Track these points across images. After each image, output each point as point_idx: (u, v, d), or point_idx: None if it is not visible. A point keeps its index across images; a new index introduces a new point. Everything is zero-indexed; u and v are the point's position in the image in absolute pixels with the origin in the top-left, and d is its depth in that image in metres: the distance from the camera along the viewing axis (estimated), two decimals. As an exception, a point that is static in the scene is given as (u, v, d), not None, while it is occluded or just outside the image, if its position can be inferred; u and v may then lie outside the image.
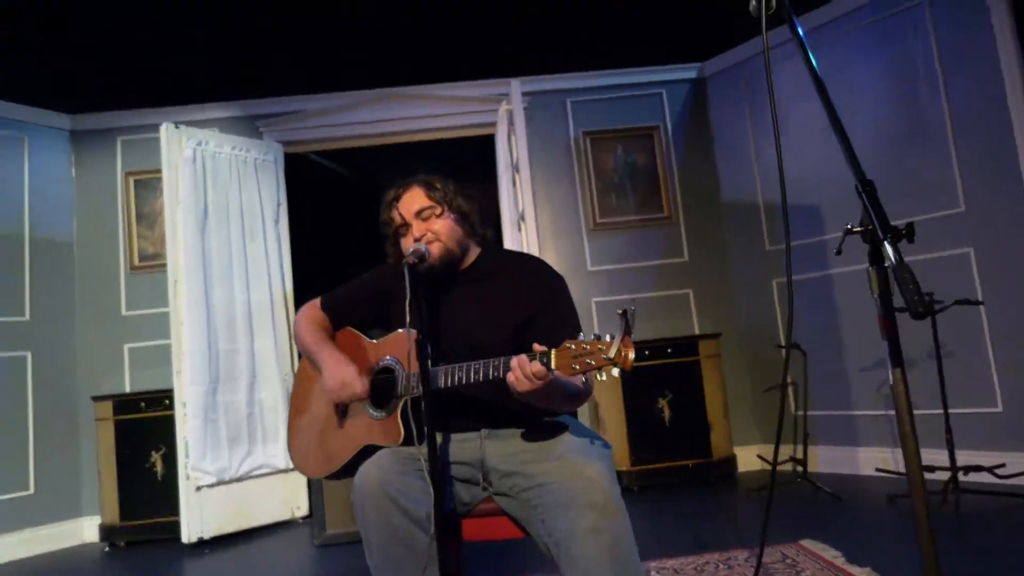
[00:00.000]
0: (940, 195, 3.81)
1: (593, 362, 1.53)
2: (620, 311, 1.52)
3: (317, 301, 2.14)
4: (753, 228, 4.62)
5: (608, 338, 1.53)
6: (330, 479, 2.03)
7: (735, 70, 4.72)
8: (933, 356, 3.29)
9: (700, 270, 4.77)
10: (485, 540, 1.90)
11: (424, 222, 1.91)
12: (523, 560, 2.95)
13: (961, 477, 3.23)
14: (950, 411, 3.29)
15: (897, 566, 2.45)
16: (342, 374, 1.89)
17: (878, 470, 3.89)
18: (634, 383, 4.28)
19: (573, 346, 1.56)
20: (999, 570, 2.48)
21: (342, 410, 1.98)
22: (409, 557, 1.68)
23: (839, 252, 1.32)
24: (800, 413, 4.13)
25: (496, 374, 1.68)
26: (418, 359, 1.68)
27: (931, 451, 3.64)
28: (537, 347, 1.60)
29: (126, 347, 4.60)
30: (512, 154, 4.27)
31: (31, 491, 4.31)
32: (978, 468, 3.27)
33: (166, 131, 4.12)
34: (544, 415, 1.88)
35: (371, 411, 1.92)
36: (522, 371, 1.59)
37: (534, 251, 4.15)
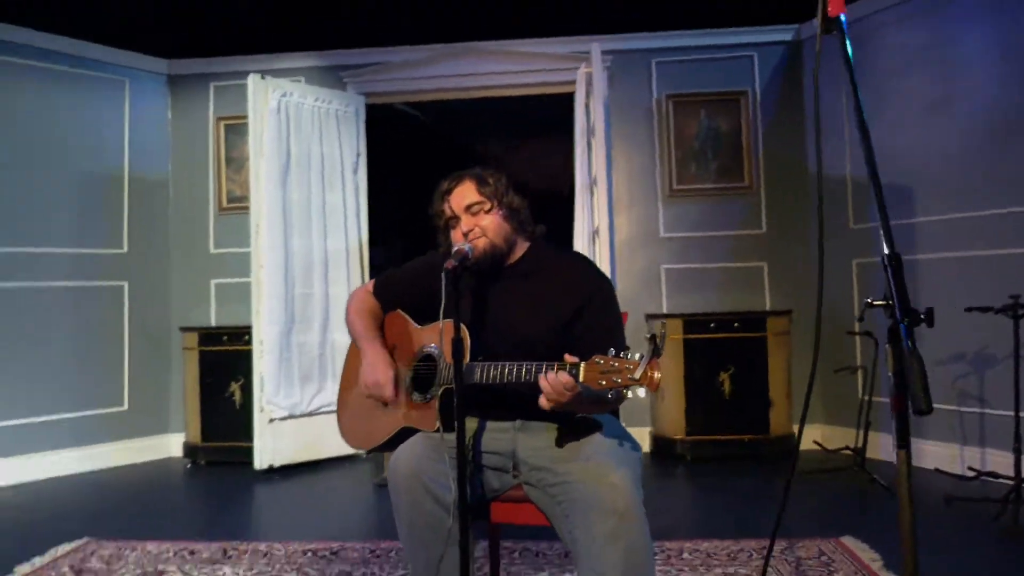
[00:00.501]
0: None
1: (619, 380, 1.56)
2: (649, 335, 1.53)
3: (370, 285, 2.23)
4: (839, 204, 4.42)
5: (637, 357, 1.55)
6: (371, 452, 2.16)
7: (836, 34, 4.44)
8: (1013, 357, 3.13)
9: (777, 244, 4.64)
10: (512, 524, 1.99)
11: (473, 217, 1.94)
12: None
13: (1025, 487, 3.11)
14: (1023, 415, 3.15)
15: (942, 572, 2.42)
16: (376, 375, 1.98)
17: (937, 469, 3.77)
18: (696, 355, 4.27)
19: (602, 361, 1.59)
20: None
21: (385, 392, 2.08)
22: (434, 538, 1.78)
23: (861, 319, 1.28)
24: (865, 398, 4.03)
25: (528, 378, 1.73)
26: (452, 358, 1.74)
27: (999, 453, 3.53)
28: (568, 358, 1.64)
29: (213, 283, 4.90)
30: (589, 118, 4.21)
31: (125, 407, 4.71)
32: (1043, 479, 3.13)
33: (253, 82, 4.26)
34: (577, 415, 1.92)
35: (413, 395, 2.01)
36: (551, 383, 1.63)
37: (604, 216, 4.13)
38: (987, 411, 3.72)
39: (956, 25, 3.90)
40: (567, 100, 4.81)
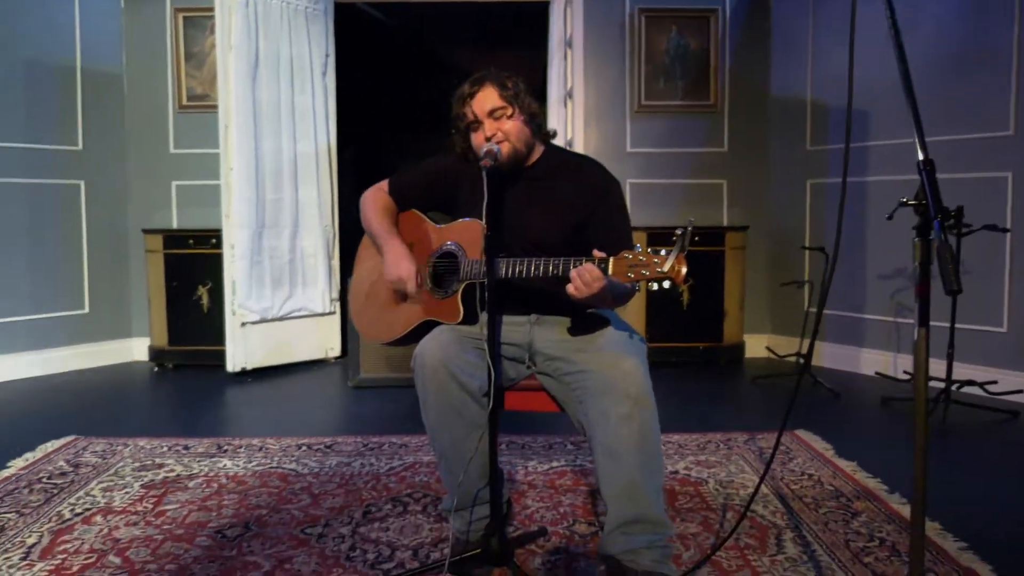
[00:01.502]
0: (993, 117, 3.80)
1: (648, 273, 1.69)
2: (678, 231, 1.66)
3: (384, 184, 2.28)
4: (797, 127, 4.62)
5: (664, 252, 1.69)
6: (389, 345, 2.26)
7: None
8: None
9: (737, 162, 4.83)
10: (525, 411, 2.15)
11: (496, 121, 2.01)
12: (548, 423, 3.27)
13: (955, 389, 3.47)
14: (957, 326, 3.48)
15: (882, 464, 2.73)
16: (400, 270, 2.06)
17: (878, 373, 4.15)
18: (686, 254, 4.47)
19: (630, 256, 1.71)
20: (968, 474, 2.76)
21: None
22: (462, 423, 1.92)
23: (890, 218, 1.43)
24: (812, 310, 4.34)
25: (556, 272, 1.85)
26: (485, 252, 1.84)
27: (933, 361, 3.88)
28: (597, 253, 1.76)
29: (174, 184, 4.78)
30: (566, 30, 4.21)
31: (86, 310, 4.64)
32: (971, 383, 3.51)
33: (220, -28, 4.07)
34: (589, 308, 2.06)
35: (433, 289, 2.11)
36: (581, 277, 1.75)
37: (579, 129, 4.21)
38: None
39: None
40: (536, 9, 4.79)
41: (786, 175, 4.71)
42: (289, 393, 4.12)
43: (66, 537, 2.21)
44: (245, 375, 4.35)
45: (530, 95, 2.11)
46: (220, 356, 4.38)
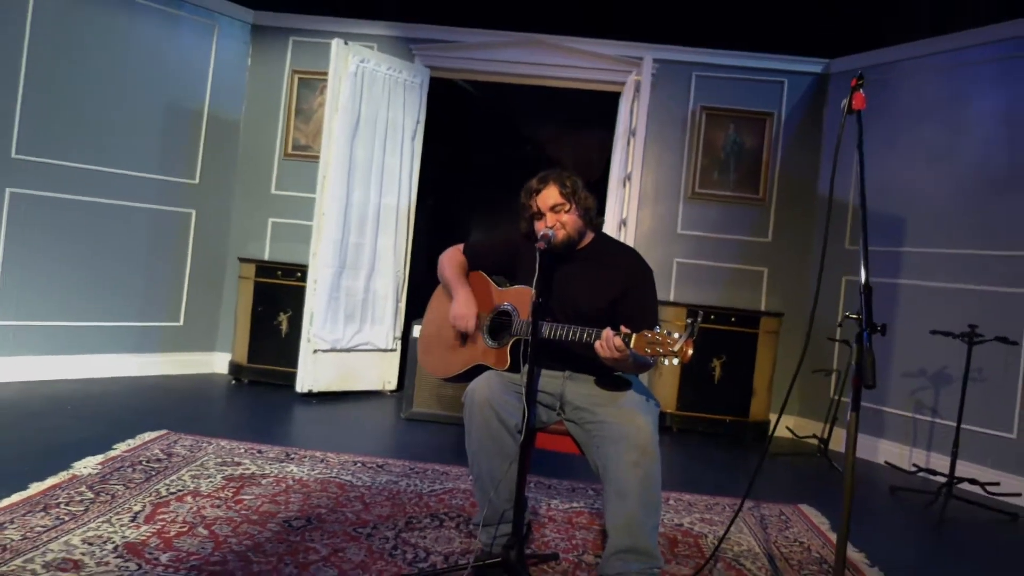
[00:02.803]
0: (1017, 235, 4.10)
1: (661, 350, 2.09)
2: (689, 320, 2.07)
3: (461, 246, 2.76)
4: (839, 227, 4.97)
5: (677, 337, 2.09)
6: (447, 381, 2.71)
7: (859, 72, 4.95)
8: (970, 379, 3.72)
9: (779, 253, 5.19)
10: (552, 450, 2.56)
11: (555, 214, 2.47)
12: (581, 467, 3.65)
13: (957, 486, 3.71)
14: (965, 426, 3.75)
15: (873, 543, 3.02)
16: (464, 311, 2.53)
17: (887, 463, 4.39)
18: (696, 342, 4.83)
19: (650, 335, 2.12)
20: (952, 566, 3.02)
21: (464, 335, 2.64)
22: (499, 453, 2.34)
23: (840, 325, 1.82)
24: (836, 398, 4.62)
25: (588, 339, 2.27)
26: (532, 315, 2.29)
27: (939, 456, 4.14)
28: (624, 329, 2.18)
29: (270, 220, 5.40)
30: (632, 121, 4.71)
31: (181, 323, 5.24)
32: (973, 481, 3.75)
33: (336, 46, 4.72)
34: (614, 371, 2.48)
35: (488, 340, 2.56)
36: (607, 343, 2.17)
37: (633, 209, 4.66)
38: (936, 420, 4.32)
39: (967, 86, 4.42)
40: (608, 98, 5.31)
41: (824, 269, 5.03)
42: (348, 417, 4.60)
43: (163, 510, 2.69)
44: (311, 396, 4.85)
45: (585, 190, 2.57)
46: (290, 377, 4.91)
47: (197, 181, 5.21)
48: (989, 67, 4.33)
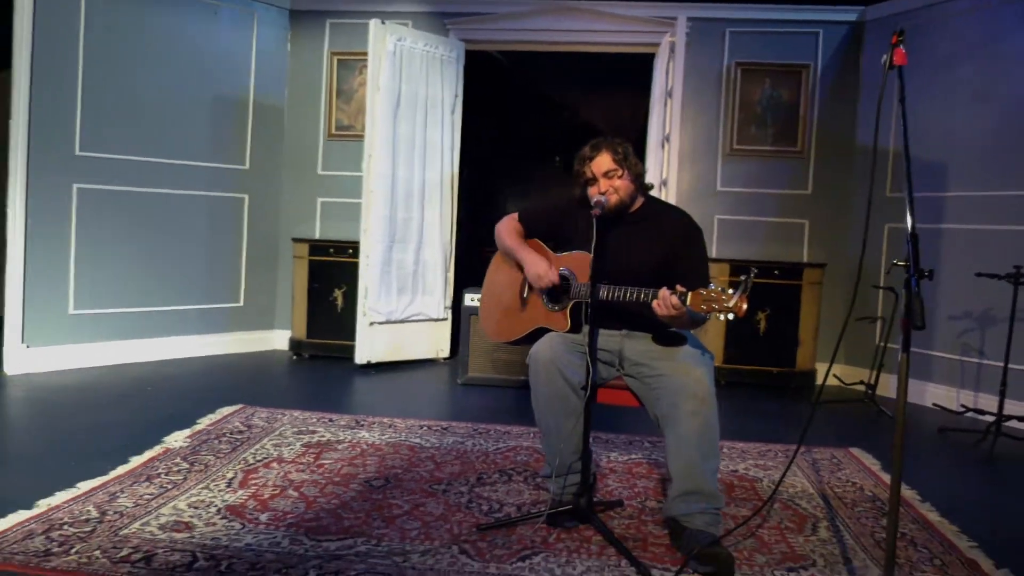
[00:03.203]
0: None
1: (717, 306, 2.21)
2: (743, 276, 2.19)
3: (516, 214, 2.90)
4: (879, 173, 4.99)
5: (731, 292, 2.21)
6: (509, 344, 2.87)
7: (894, 19, 4.93)
8: (1018, 318, 3.78)
9: (820, 204, 5.23)
10: (612, 404, 2.71)
11: (608, 180, 2.59)
12: (629, 417, 3.81)
13: (1006, 424, 3.79)
14: (1013, 366, 3.82)
15: (924, 481, 3.13)
16: (539, 268, 2.66)
17: (935, 405, 4.47)
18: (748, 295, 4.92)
19: (704, 292, 2.24)
20: (1001, 498, 3.13)
21: (524, 298, 2.79)
22: (564, 409, 2.50)
23: (887, 272, 1.92)
24: (882, 344, 4.70)
25: (644, 298, 2.41)
26: (591, 279, 2.42)
27: (987, 396, 4.21)
28: (680, 288, 2.30)
29: (319, 200, 5.59)
30: (668, 82, 4.77)
31: (241, 304, 5.49)
32: (1022, 419, 3.82)
33: (374, 27, 4.83)
34: (669, 328, 2.61)
35: (548, 304, 2.71)
36: (665, 302, 2.30)
37: (674, 169, 4.74)
38: (983, 361, 4.38)
39: (1006, 24, 4.38)
40: (644, 60, 5.36)
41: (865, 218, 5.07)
42: (408, 384, 4.81)
43: (254, 475, 2.92)
44: (369, 367, 5.07)
45: (635, 156, 2.68)
46: (348, 350, 5.13)
47: (247, 166, 5.40)
48: (1021, 5, 4.28)
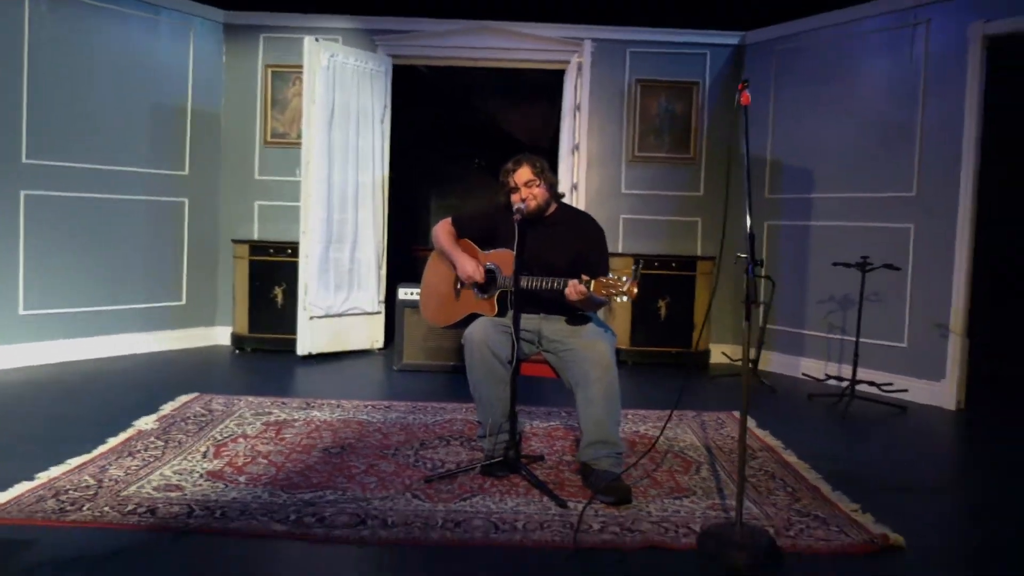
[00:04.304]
0: (900, 180, 4.92)
1: (615, 291, 2.79)
2: (634, 265, 2.79)
3: (449, 219, 3.42)
4: (757, 178, 5.74)
5: (625, 280, 2.80)
6: (447, 328, 3.39)
7: (770, 44, 5.70)
8: (866, 300, 4.56)
9: (710, 205, 5.96)
10: (533, 376, 3.28)
11: (528, 188, 3.14)
12: (549, 393, 4.39)
13: (858, 388, 4.57)
14: (865, 340, 4.61)
15: (788, 433, 3.83)
16: (469, 268, 3.19)
17: (804, 375, 5.27)
18: (642, 286, 5.56)
19: (604, 280, 2.82)
20: (849, 445, 3.87)
21: (458, 289, 3.31)
22: (494, 379, 3.04)
23: (735, 261, 2.54)
24: (762, 326, 5.45)
25: (557, 287, 2.97)
26: (514, 272, 2.97)
27: (844, 366, 5.00)
28: (584, 277, 2.87)
29: (256, 204, 5.95)
30: (576, 96, 5.37)
31: (183, 302, 5.79)
32: (871, 383, 4.61)
33: (309, 44, 5.24)
34: (578, 311, 3.18)
35: (478, 293, 3.24)
36: (574, 289, 2.87)
37: (582, 173, 5.36)
38: (844, 337, 5.19)
39: (859, 52, 5.18)
40: (553, 74, 5.95)
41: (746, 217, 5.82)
42: (348, 372, 5.25)
43: (224, 449, 3.34)
44: (311, 358, 5.48)
45: (550, 171, 3.25)
46: (289, 343, 5.52)
47: (187, 172, 5.71)
48: (876, 36, 5.09)
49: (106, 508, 2.59)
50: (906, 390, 4.71)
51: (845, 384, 4.61)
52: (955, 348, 4.63)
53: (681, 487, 3.03)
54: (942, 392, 4.66)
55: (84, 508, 2.58)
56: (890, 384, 4.68)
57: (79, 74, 5.06)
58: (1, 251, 4.76)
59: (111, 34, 5.20)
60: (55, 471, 2.94)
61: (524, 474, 3.00)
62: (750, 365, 5.21)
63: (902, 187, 4.92)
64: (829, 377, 4.99)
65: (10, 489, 2.72)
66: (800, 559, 2.41)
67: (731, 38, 5.87)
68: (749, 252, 2.31)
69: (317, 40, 5.31)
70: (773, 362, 5.64)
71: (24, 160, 4.84)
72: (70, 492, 2.73)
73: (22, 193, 4.85)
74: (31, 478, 2.84)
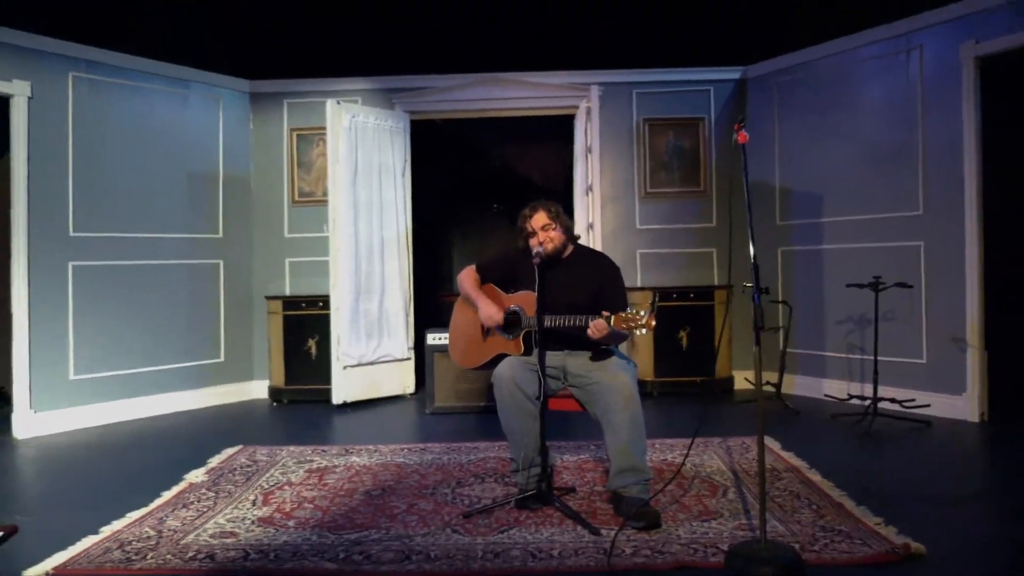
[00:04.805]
0: (906, 199, 5.06)
1: (634, 324, 2.96)
2: (651, 301, 2.96)
3: (473, 266, 3.62)
4: (768, 206, 5.91)
5: (643, 314, 2.97)
6: (475, 370, 3.57)
7: (771, 77, 5.91)
8: (883, 319, 4.67)
9: (723, 235, 6.12)
10: (561, 410, 3.43)
11: (544, 232, 3.34)
12: (578, 427, 4.53)
13: (880, 405, 4.66)
14: (884, 358, 4.71)
15: (812, 453, 3.93)
16: (490, 311, 3.39)
17: (826, 395, 5.35)
18: (663, 317, 5.73)
19: (624, 315, 2.99)
20: (872, 461, 3.96)
21: (485, 332, 3.50)
22: (524, 416, 3.20)
23: (743, 290, 2.70)
24: (783, 349, 5.56)
25: (580, 324, 3.15)
26: (537, 312, 3.16)
27: (866, 385, 5.08)
28: (604, 313, 3.04)
29: (287, 260, 6.22)
30: (587, 139, 5.61)
31: (222, 359, 6.04)
32: (892, 400, 4.70)
33: (331, 107, 5.54)
34: (601, 346, 3.35)
35: (503, 334, 3.43)
36: (596, 326, 3.05)
37: (597, 213, 5.56)
38: (864, 357, 5.28)
39: (857, 79, 5.37)
40: (564, 120, 6.20)
41: (762, 244, 5.98)
42: (382, 418, 5.43)
43: (272, 496, 3.52)
44: (346, 406, 5.67)
45: (565, 214, 3.45)
46: (324, 393, 5.72)
47: (221, 235, 6.00)
48: (872, 63, 5.28)
49: (168, 556, 2.77)
50: (928, 405, 4.79)
51: (867, 403, 4.70)
52: (974, 361, 4.71)
53: (709, 510, 3.15)
54: (964, 405, 4.73)
55: (148, 557, 2.77)
56: (912, 400, 4.76)
57: (118, 149, 5.39)
58: (53, 321, 5.05)
59: (146, 110, 5.55)
60: (117, 524, 3.13)
61: (557, 505, 3.14)
62: (773, 389, 5.33)
63: (909, 206, 5.06)
64: (851, 396, 5.08)
65: (78, 543, 2.91)
66: (824, 571, 2.52)
67: (733, 73, 6.10)
68: (754, 281, 2.47)
69: (339, 103, 5.62)
70: (796, 385, 5.73)
71: (71, 233, 5.15)
72: (133, 543, 2.92)
73: (70, 264, 5.15)
74: (96, 532, 3.04)
